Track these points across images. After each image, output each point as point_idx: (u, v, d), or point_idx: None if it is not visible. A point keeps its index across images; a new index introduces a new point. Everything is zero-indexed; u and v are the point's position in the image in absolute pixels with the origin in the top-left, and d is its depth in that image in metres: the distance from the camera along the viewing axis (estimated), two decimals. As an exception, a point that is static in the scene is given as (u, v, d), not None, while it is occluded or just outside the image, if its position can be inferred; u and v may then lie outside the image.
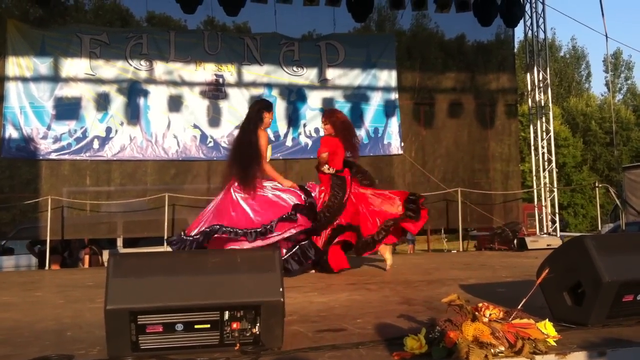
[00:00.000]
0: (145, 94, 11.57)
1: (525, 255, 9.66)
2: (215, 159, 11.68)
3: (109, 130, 11.30)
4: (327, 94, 12.40)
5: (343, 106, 12.34)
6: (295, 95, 12.25)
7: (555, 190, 13.37)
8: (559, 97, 42.43)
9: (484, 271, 6.97)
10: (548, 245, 10.63)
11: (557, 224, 13.05)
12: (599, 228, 16.45)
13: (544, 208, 13.13)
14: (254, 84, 12.07)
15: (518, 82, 14.79)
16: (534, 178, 13.48)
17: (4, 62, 10.87)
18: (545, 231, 12.88)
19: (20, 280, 7.27)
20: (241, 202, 6.18)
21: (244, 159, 6.29)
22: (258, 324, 2.80)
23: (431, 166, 12.68)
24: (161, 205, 10.88)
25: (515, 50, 14.44)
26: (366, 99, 12.56)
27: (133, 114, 11.44)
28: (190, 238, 6.05)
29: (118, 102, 11.41)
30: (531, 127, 13.65)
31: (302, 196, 6.33)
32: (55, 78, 11.14)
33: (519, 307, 2.85)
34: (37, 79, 11.06)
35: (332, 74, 12.43)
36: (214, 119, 11.81)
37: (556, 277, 3.33)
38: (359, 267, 7.57)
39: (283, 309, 2.82)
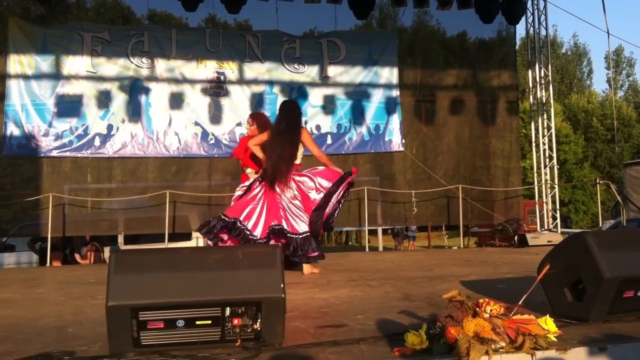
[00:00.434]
0: (147, 91, 11.58)
1: (526, 251, 9.66)
2: (216, 156, 11.69)
3: (110, 127, 11.31)
4: (329, 91, 12.41)
5: (344, 103, 12.37)
6: (296, 93, 12.25)
7: (556, 186, 13.36)
8: (560, 94, 42.42)
9: (484, 267, 6.97)
10: (549, 241, 10.61)
11: (558, 221, 13.05)
12: (600, 224, 16.43)
13: (544, 204, 13.13)
14: (255, 82, 12.08)
15: (519, 79, 14.77)
16: (535, 175, 13.48)
17: (5, 60, 10.89)
18: (546, 228, 12.88)
19: (21, 277, 7.28)
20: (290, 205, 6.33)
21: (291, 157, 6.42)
22: (259, 320, 2.81)
23: (432, 163, 12.69)
24: (162, 202, 10.90)
25: (517, 47, 14.43)
26: (367, 96, 12.56)
27: (134, 112, 11.46)
28: (255, 237, 6.20)
29: (119, 99, 11.42)
30: (532, 123, 13.65)
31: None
32: (56, 76, 11.16)
33: (520, 303, 2.85)
34: (38, 76, 11.07)
35: (333, 71, 12.43)
36: (215, 116, 11.81)
37: (557, 273, 3.33)
38: (361, 263, 7.58)
39: (284, 305, 2.82)
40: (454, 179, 12.55)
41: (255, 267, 2.91)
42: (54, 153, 11.01)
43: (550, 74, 13.40)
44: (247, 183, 6.61)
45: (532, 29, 13.41)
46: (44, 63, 11.12)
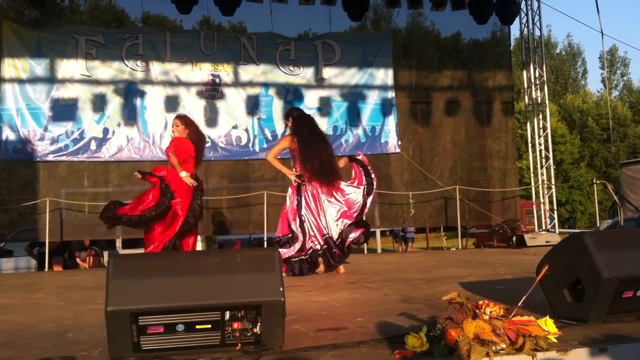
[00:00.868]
0: (142, 94, 11.56)
1: (524, 252, 9.67)
2: (212, 158, 11.68)
3: (106, 131, 11.29)
4: (324, 93, 12.41)
5: (340, 105, 12.37)
6: (292, 95, 12.25)
7: (553, 187, 13.39)
8: (555, 94, 42.51)
9: (483, 269, 6.98)
10: (547, 242, 10.63)
11: (556, 221, 13.07)
12: (598, 224, 16.46)
13: (542, 205, 13.15)
14: (250, 84, 12.07)
15: (514, 79, 14.79)
16: (532, 175, 13.50)
17: (-1, 64, 10.86)
18: (543, 228, 12.89)
19: (20, 282, 7.27)
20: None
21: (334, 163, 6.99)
22: (259, 324, 2.80)
23: (429, 164, 12.69)
24: (159, 205, 10.84)
25: (512, 47, 14.44)
26: (363, 97, 12.57)
27: (130, 115, 11.44)
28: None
29: (115, 103, 11.40)
30: (528, 124, 13.67)
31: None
32: (51, 79, 11.13)
33: (519, 304, 2.85)
34: (33, 80, 11.05)
35: (328, 73, 12.43)
36: (211, 119, 11.80)
37: (556, 274, 3.34)
38: (359, 266, 7.58)
39: (284, 308, 2.82)
40: (450, 180, 12.56)
41: (255, 271, 2.91)
42: (50, 157, 10.99)
43: (545, 74, 13.42)
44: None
45: (526, 29, 13.43)
46: (39, 67, 11.10)
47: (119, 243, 11.75)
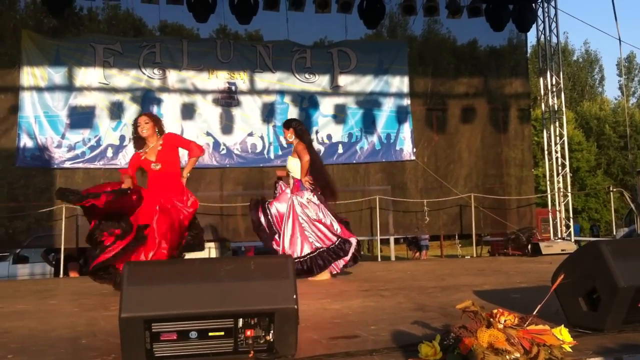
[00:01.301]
0: (159, 102, 11.64)
1: (539, 260, 9.60)
2: (228, 166, 11.72)
3: (122, 138, 11.36)
4: (339, 100, 12.42)
5: (355, 112, 12.37)
6: (307, 102, 12.27)
7: (569, 194, 13.28)
8: (572, 102, 42.21)
9: (498, 277, 6.94)
10: (562, 250, 10.54)
11: (572, 229, 12.96)
12: (614, 232, 16.30)
13: (558, 213, 13.05)
14: (266, 92, 12.11)
15: (531, 86, 14.71)
16: (548, 183, 13.41)
17: (19, 72, 10.98)
18: (559, 236, 12.79)
19: (35, 289, 7.31)
20: None
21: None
22: (272, 331, 2.80)
23: (444, 172, 12.65)
24: (174, 212, 10.89)
25: (528, 54, 14.37)
26: (378, 105, 12.56)
27: (146, 123, 11.48)
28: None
29: (132, 110, 11.47)
30: (544, 131, 13.58)
31: None
32: (69, 87, 11.24)
33: (534, 313, 2.83)
34: (51, 88, 11.16)
35: (344, 80, 12.45)
36: (227, 126, 11.85)
37: (571, 283, 3.31)
38: (373, 273, 7.56)
39: (297, 316, 2.82)
40: (466, 187, 12.50)
41: (268, 278, 2.91)
42: (67, 164, 11.08)
43: (561, 81, 13.33)
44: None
45: (542, 36, 13.36)
46: (57, 75, 11.21)
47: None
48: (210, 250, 11.42)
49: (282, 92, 12.20)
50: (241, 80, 12.05)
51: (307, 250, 6.84)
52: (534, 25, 13.22)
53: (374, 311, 4.47)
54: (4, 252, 13.01)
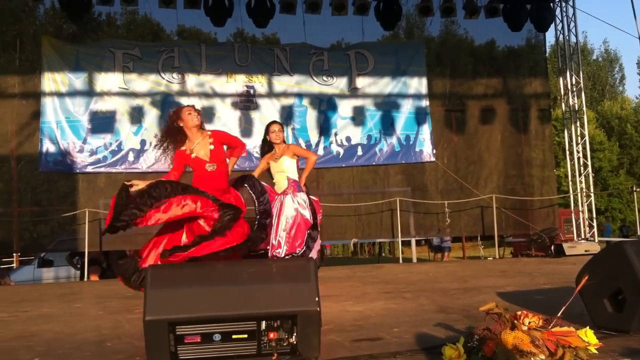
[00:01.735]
0: (178, 106, 11.68)
1: (563, 261, 9.53)
2: (247, 169, 11.73)
3: (143, 142, 11.44)
4: (358, 102, 12.40)
5: (374, 114, 12.35)
6: (325, 105, 12.27)
7: (592, 195, 13.16)
8: (593, 101, 41.80)
9: (521, 278, 6.89)
10: (586, 251, 10.45)
11: (595, 229, 12.83)
12: (638, 233, 16.11)
13: (580, 213, 12.93)
14: (284, 94, 12.13)
15: (551, 86, 14.60)
16: (570, 183, 13.29)
17: (40, 78, 11.09)
18: (582, 237, 12.67)
19: (60, 292, 7.39)
20: None
21: None
22: (295, 334, 2.81)
23: (464, 173, 12.57)
24: (195, 216, 10.95)
25: (547, 54, 14.26)
26: (397, 106, 12.52)
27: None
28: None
29: (152, 114, 11.55)
30: (565, 131, 13.46)
31: None
32: (89, 92, 11.33)
33: (559, 314, 2.81)
34: (72, 93, 11.26)
35: (362, 82, 12.43)
36: (246, 129, 11.88)
37: (596, 284, 3.28)
38: (394, 275, 7.54)
39: (319, 318, 2.82)
40: (487, 188, 12.42)
41: (290, 281, 2.92)
42: (89, 169, 11.17)
43: (581, 80, 13.22)
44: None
45: (561, 36, 13.25)
46: (77, 80, 11.31)
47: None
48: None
49: (300, 95, 12.21)
50: (259, 83, 12.08)
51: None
52: (553, 25, 13.12)
53: (396, 313, 4.46)
54: (29, 256, 13.17)
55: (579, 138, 13.06)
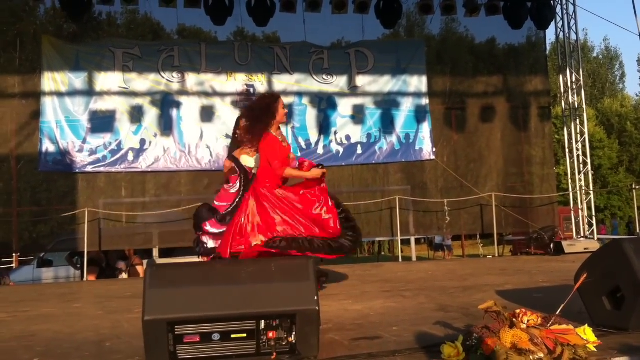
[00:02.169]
0: (178, 105, 11.70)
1: (562, 259, 9.54)
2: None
3: (143, 142, 11.44)
4: (358, 101, 12.40)
5: (374, 113, 12.35)
6: (325, 103, 12.27)
7: (592, 192, 13.15)
8: (593, 99, 41.82)
9: (520, 276, 6.90)
10: (585, 249, 10.45)
11: (594, 227, 12.83)
12: (638, 230, 16.11)
13: (580, 211, 12.93)
14: (284, 93, 12.09)
15: (551, 84, 14.59)
16: (570, 181, 13.29)
17: (39, 78, 11.08)
18: (582, 235, 12.68)
19: (59, 292, 7.39)
20: None
21: None
22: (294, 333, 2.82)
23: (464, 171, 12.58)
24: (196, 215, 10.96)
25: (547, 52, 14.25)
26: (397, 104, 12.52)
27: (166, 126, 11.58)
28: None
29: (151, 114, 11.55)
30: (565, 129, 13.46)
31: None
32: (89, 92, 11.33)
33: (558, 312, 2.82)
34: (72, 93, 11.25)
35: (362, 80, 12.43)
36: (246, 128, 11.86)
37: (594, 282, 3.29)
38: (394, 274, 7.54)
39: (318, 317, 2.82)
40: (486, 186, 12.43)
41: (289, 280, 2.92)
42: (89, 168, 11.17)
43: (582, 78, 13.21)
44: None
45: (562, 33, 13.25)
46: (77, 80, 11.31)
47: (155, 252, 11.89)
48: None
49: (300, 94, 12.21)
50: (259, 82, 12.07)
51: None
52: (553, 23, 13.11)
53: (396, 312, 4.46)
54: (28, 256, 13.19)
55: (579, 136, 13.06)
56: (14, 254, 13.74)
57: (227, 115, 11.83)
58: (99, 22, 12.06)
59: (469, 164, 12.68)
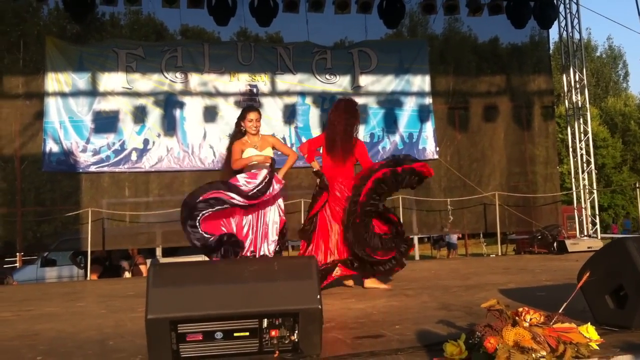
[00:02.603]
0: (181, 105, 11.71)
1: (565, 258, 9.52)
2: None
3: (146, 142, 11.46)
4: (361, 100, 12.32)
5: (377, 112, 12.35)
6: (328, 103, 12.23)
7: (595, 191, 13.14)
8: (596, 98, 41.72)
9: (523, 275, 6.89)
10: (589, 247, 10.44)
11: (598, 226, 12.81)
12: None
13: (583, 210, 12.92)
14: (287, 93, 12.13)
15: (554, 83, 14.57)
16: (573, 180, 13.27)
17: (43, 78, 11.11)
18: (585, 233, 12.66)
19: (62, 291, 7.41)
20: None
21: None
22: (296, 331, 2.82)
23: (467, 170, 12.57)
24: (198, 215, 10.97)
25: (551, 51, 14.23)
26: (400, 104, 12.52)
27: (169, 126, 11.59)
28: None
29: (155, 114, 11.57)
30: (569, 128, 13.45)
31: None
32: (93, 92, 11.35)
33: (560, 311, 2.81)
34: (75, 93, 11.27)
35: (365, 80, 12.43)
36: (249, 128, 11.86)
37: (597, 280, 3.28)
38: (397, 273, 7.53)
39: (321, 316, 2.83)
40: (490, 186, 12.43)
41: (292, 279, 2.93)
42: (92, 168, 11.19)
43: (585, 77, 13.19)
44: None
45: (565, 32, 13.23)
46: (81, 80, 11.33)
47: (158, 252, 11.91)
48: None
49: (303, 94, 12.21)
50: (262, 82, 12.08)
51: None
52: (556, 22, 13.09)
53: (399, 310, 4.47)
54: (31, 255, 13.22)
55: (582, 135, 13.04)
56: (17, 254, 13.77)
57: (230, 116, 11.81)
58: (102, 22, 12.09)
59: (472, 163, 12.68)
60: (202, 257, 10.36)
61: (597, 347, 2.71)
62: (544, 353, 2.56)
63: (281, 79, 12.12)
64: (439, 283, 6.30)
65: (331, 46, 12.52)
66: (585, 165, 12.98)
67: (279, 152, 6.50)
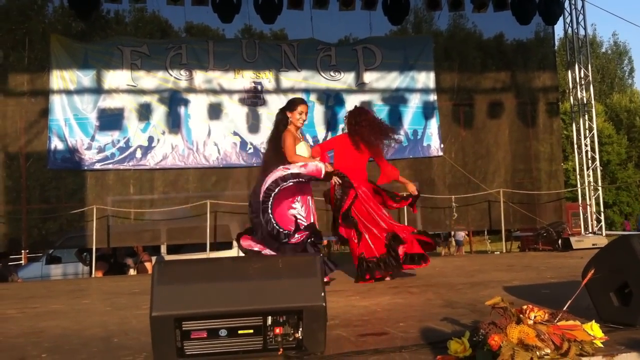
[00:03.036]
0: (186, 103, 11.73)
1: (570, 255, 9.50)
2: (255, 165, 11.74)
3: (151, 139, 11.48)
4: (365, 97, 12.39)
5: (381, 109, 12.32)
6: (333, 100, 12.27)
7: (600, 188, 13.11)
8: (601, 94, 41.61)
9: (528, 272, 6.88)
10: (593, 244, 10.43)
11: (603, 223, 12.79)
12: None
13: (588, 207, 12.89)
14: (292, 90, 12.12)
15: (559, 79, 14.53)
16: (578, 177, 13.25)
17: (48, 76, 11.14)
18: (590, 230, 12.64)
19: (67, 289, 7.43)
20: None
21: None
22: (301, 329, 2.82)
23: (472, 167, 12.55)
24: (203, 212, 11.02)
25: (556, 47, 14.19)
26: (404, 101, 12.51)
27: (174, 123, 11.61)
28: None
29: (159, 111, 11.58)
30: (574, 125, 13.43)
31: None
32: (98, 90, 11.37)
33: (565, 308, 2.81)
34: (80, 91, 11.30)
35: (369, 77, 12.42)
36: (253, 125, 11.90)
37: (602, 278, 3.27)
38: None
39: (325, 313, 2.83)
40: (494, 183, 12.41)
41: (296, 276, 2.93)
42: (97, 166, 11.21)
43: (590, 74, 13.17)
44: None
45: (570, 29, 13.20)
46: (86, 78, 11.35)
47: (163, 249, 11.94)
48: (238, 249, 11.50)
49: (307, 91, 12.20)
50: (267, 79, 12.09)
51: None
52: (561, 18, 13.06)
53: (403, 308, 4.47)
54: (37, 252, 13.26)
55: (587, 131, 13.02)
56: (22, 251, 13.82)
57: (235, 113, 11.87)
58: (107, 20, 12.11)
59: (477, 160, 12.66)
60: (206, 255, 10.41)
61: (602, 345, 2.71)
62: (548, 351, 2.56)
63: (285, 76, 12.12)
64: (444, 280, 6.30)
65: (335, 43, 12.51)
66: (590, 162, 12.95)
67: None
